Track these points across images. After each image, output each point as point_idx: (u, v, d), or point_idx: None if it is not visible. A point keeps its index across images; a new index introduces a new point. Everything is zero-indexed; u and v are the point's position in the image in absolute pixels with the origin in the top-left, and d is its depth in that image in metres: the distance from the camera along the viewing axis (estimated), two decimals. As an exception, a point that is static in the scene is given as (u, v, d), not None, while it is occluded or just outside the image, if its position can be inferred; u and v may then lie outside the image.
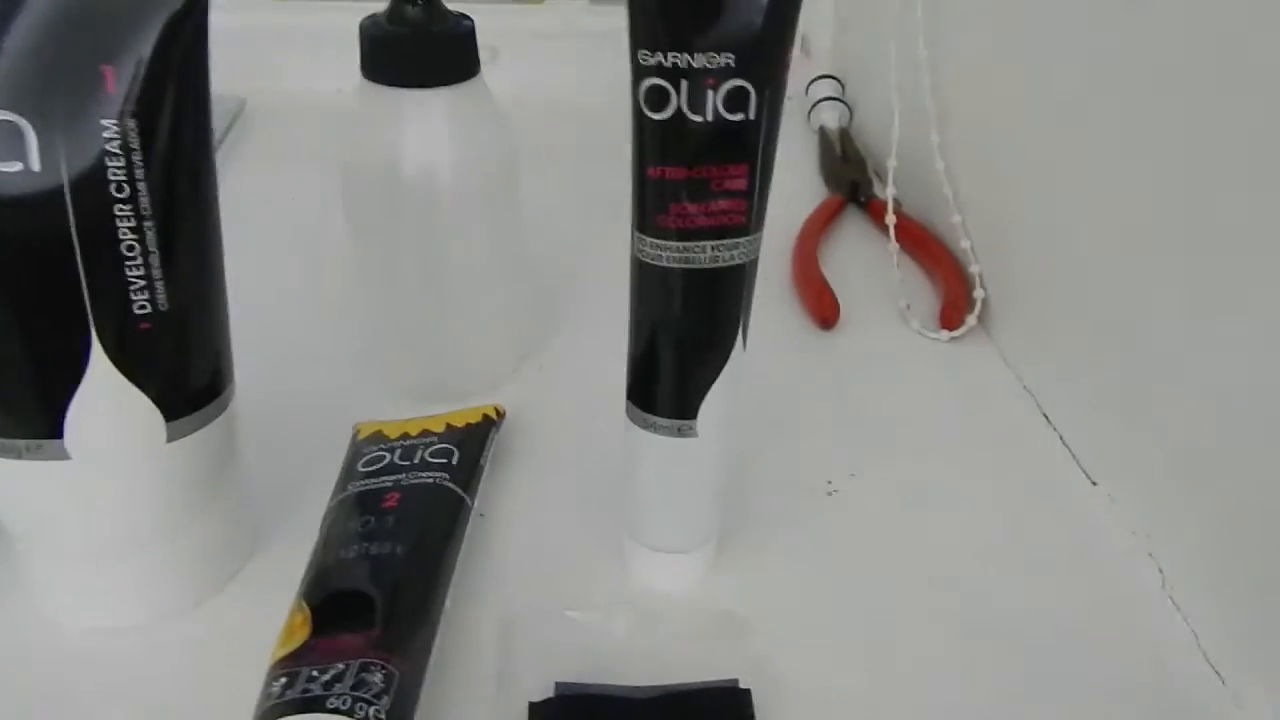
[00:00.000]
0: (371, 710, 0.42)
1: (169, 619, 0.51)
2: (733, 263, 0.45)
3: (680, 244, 0.44)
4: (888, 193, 0.85)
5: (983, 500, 0.62)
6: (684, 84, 0.41)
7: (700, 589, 0.55)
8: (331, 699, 0.42)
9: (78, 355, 0.43)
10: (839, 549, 0.58)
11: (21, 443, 0.44)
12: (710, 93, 0.41)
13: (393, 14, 0.56)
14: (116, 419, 0.45)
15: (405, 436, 0.58)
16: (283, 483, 0.59)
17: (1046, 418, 0.68)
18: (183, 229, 0.44)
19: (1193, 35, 0.54)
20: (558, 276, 0.80)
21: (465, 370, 0.68)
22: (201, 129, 0.44)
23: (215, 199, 0.46)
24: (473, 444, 0.59)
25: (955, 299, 0.78)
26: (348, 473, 0.56)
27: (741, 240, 0.44)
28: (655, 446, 0.49)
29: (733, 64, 0.41)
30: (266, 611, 0.48)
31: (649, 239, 0.44)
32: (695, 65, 0.40)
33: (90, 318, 0.42)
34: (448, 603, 0.50)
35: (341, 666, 0.43)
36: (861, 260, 0.87)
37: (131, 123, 0.41)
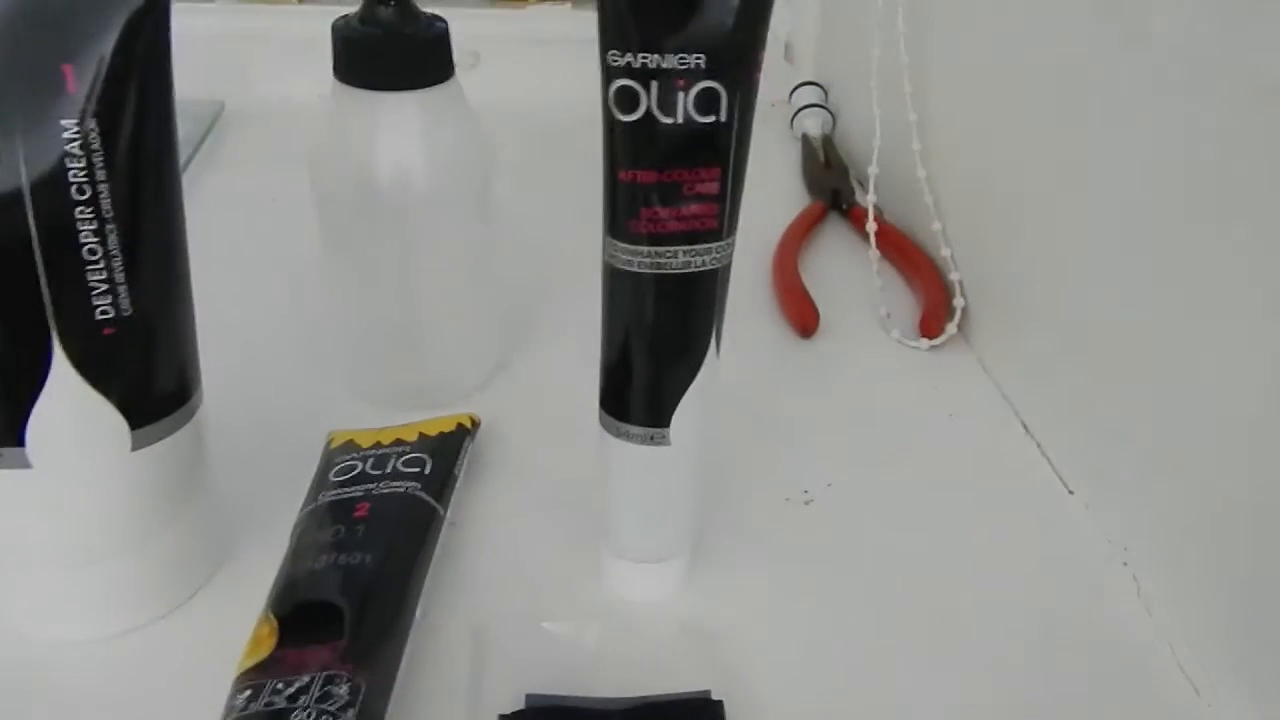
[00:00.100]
0: (336, 723, 0.41)
1: (135, 630, 0.50)
2: (705, 268, 0.44)
3: (652, 249, 0.43)
4: (868, 200, 0.85)
5: (959, 509, 0.61)
6: (654, 85, 0.40)
7: (674, 599, 0.54)
8: (296, 712, 0.42)
9: (39, 361, 0.42)
10: (814, 559, 0.57)
11: (-19, 450, 0.44)
12: (681, 94, 0.40)
13: (365, 15, 0.56)
14: (79, 426, 0.45)
15: (378, 445, 0.58)
16: (254, 492, 0.58)
17: (1025, 426, 0.68)
18: (146, 232, 0.43)
19: (1173, 44, 0.54)
20: (537, 283, 0.80)
21: (440, 378, 0.67)
22: (165, 129, 0.44)
23: (180, 201, 0.46)
24: (446, 453, 0.58)
25: (935, 307, 0.77)
26: (319, 482, 0.56)
27: (714, 245, 0.44)
28: (628, 455, 0.49)
29: (703, 65, 0.40)
30: (235, 623, 0.48)
31: (620, 244, 0.44)
32: (665, 66, 0.40)
33: (51, 323, 0.42)
34: (418, 613, 0.49)
35: (307, 679, 0.43)
36: (842, 268, 0.86)
37: (92, 123, 0.40)
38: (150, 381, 0.46)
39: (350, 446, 0.58)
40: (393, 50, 0.56)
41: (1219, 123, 0.50)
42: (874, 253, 0.83)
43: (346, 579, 0.48)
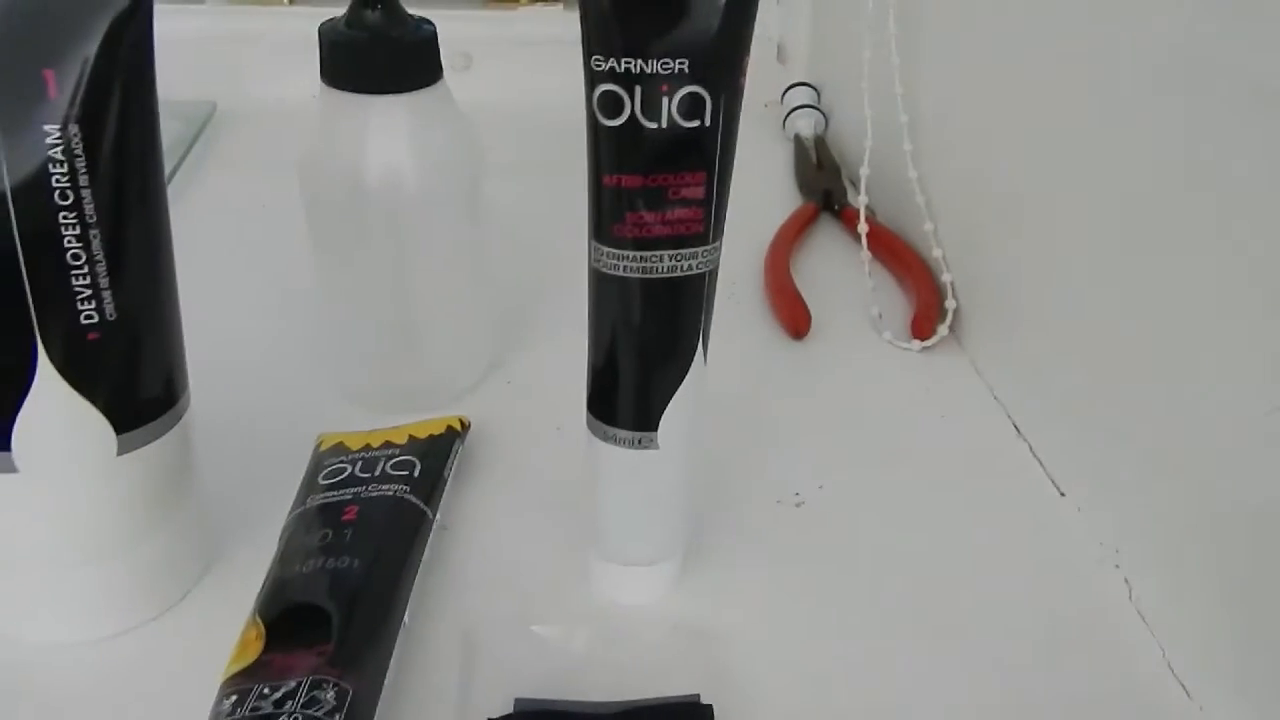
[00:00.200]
0: (321, 728, 0.41)
1: (122, 634, 0.50)
2: (691, 272, 0.44)
3: (638, 253, 0.43)
4: (860, 202, 0.85)
5: (951, 511, 0.61)
6: (638, 90, 0.40)
7: (664, 603, 0.54)
8: (282, 717, 0.41)
9: (23, 366, 0.42)
10: (805, 562, 0.57)
11: (-33, 455, 0.44)
12: (665, 99, 0.40)
13: (352, 19, 0.56)
14: (65, 431, 0.44)
15: (367, 448, 0.58)
16: (243, 494, 0.58)
17: (1016, 428, 0.68)
18: (130, 236, 0.43)
19: (1169, 45, 0.54)
20: (529, 284, 0.80)
21: (431, 380, 0.67)
22: (148, 133, 0.43)
23: (164, 205, 0.45)
24: (436, 456, 0.58)
25: (927, 309, 0.77)
26: (308, 485, 0.56)
27: (700, 249, 0.44)
28: (616, 459, 0.49)
29: (687, 69, 0.40)
30: (223, 625, 0.48)
31: (606, 248, 0.44)
32: (649, 71, 0.40)
33: (35, 328, 0.42)
34: (406, 617, 0.49)
35: (294, 683, 0.43)
36: (834, 269, 0.86)
37: (75, 128, 0.40)
38: (136, 386, 0.46)
39: (339, 449, 0.58)
40: (380, 53, 0.56)
41: (1215, 125, 0.50)
42: (865, 254, 0.83)
43: (334, 583, 0.48)
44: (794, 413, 0.69)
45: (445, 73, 0.59)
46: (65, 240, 0.41)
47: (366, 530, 0.51)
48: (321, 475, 0.56)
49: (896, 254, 0.85)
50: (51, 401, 0.43)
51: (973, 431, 0.68)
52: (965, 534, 0.59)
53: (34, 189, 0.40)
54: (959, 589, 0.56)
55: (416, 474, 0.56)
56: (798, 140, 1.09)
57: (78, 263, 0.42)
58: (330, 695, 0.42)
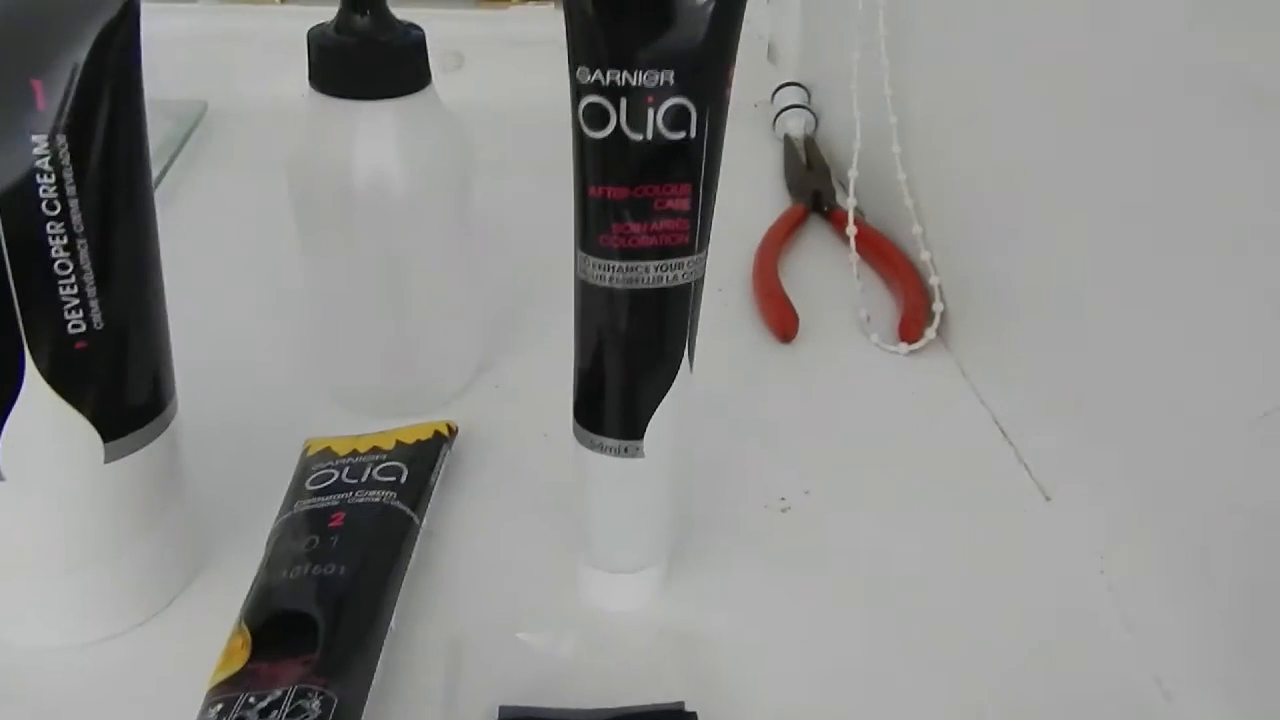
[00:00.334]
0: (307, 737, 0.41)
1: (108, 640, 0.50)
2: (677, 283, 0.44)
3: (624, 264, 0.43)
4: (849, 204, 0.85)
5: (936, 516, 0.61)
6: (623, 102, 0.40)
7: (651, 609, 0.54)
8: (268, 726, 0.42)
9: (11, 375, 0.42)
10: (792, 567, 0.57)
11: (-45, 463, 0.44)
12: (650, 111, 0.41)
13: (340, 24, 0.56)
14: (52, 440, 0.45)
15: (354, 454, 0.58)
16: (231, 499, 0.58)
17: (1003, 431, 0.68)
18: (118, 246, 0.43)
19: (1154, 49, 0.54)
20: (516, 288, 0.80)
21: (419, 384, 0.67)
22: (135, 143, 0.43)
23: (152, 213, 0.45)
24: (423, 461, 0.58)
25: (915, 311, 0.77)
26: (295, 490, 0.56)
27: (686, 260, 0.44)
28: (602, 467, 0.49)
29: (672, 81, 0.40)
30: (210, 631, 0.48)
31: (592, 259, 0.44)
32: (634, 83, 0.40)
33: (23, 337, 0.42)
34: (393, 624, 0.49)
35: (279, 692, 0.43)
36: (823, 271, 0.86)
37: (62, 139, 0.40)
38: (123, 394, 0.46)
39: (327, 454, 0.58)
40: (368, 59, 0.56)
41: (1207, 128, 0.50)
42: (854, 256, 0.83)
43: (321, 590, 0.48)
44: (781, 416, 0.69)
45: (435, 73, 0.59)
46: (53, 250, 0.41)
47: (353, 537, 0.51)
48: (309, 480, 0.56)
49: (885, 256, 0.85)
50: (39, 410, 0.43)
51: (959, 435, 0.69)
52: (951, 538, 0.60)
53: (21, 199, 0.40)
54: (945, 594, 0.56)
55: (403, 480, 0.56)
56: (787, 140, 1.09)
57: (65, 272, 0.42)
58: (316, 704, 0.42)
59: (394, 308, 0.63)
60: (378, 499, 0.54)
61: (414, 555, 0.53)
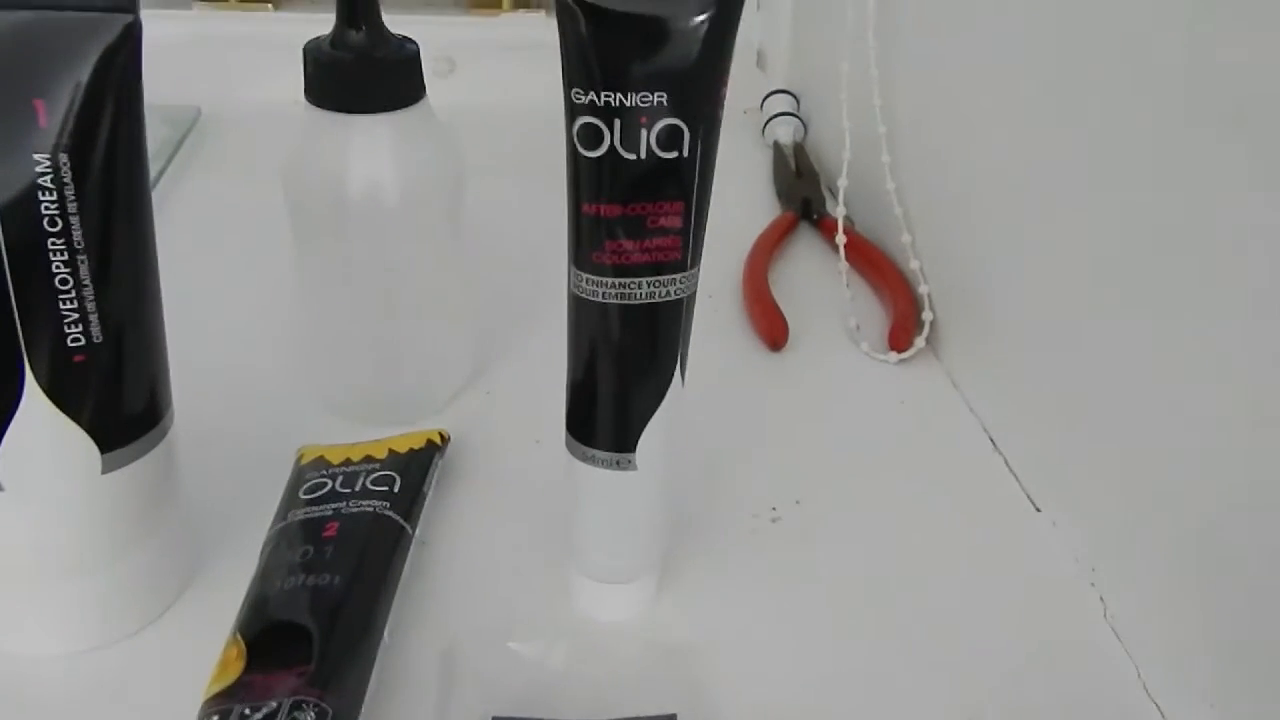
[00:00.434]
0: (302, 749, 0.42)
1: (102, 650, 0.51)
2: (669, 298, 0.45)
3: (616, 280, 0.44)
4: (838, 213, 0.85)
5: (926, 526, 0.62)
6: (617, 122, 0.41)
7: (642, 619, 0.55)
8: (263, 737, 0.42)
9: (11, 388, 0.43)
10: (782, 578, 0.58)
11: (-46, 474, 0.44)
12: (644, 131, 0.41)
13: (336, 38, 0.56)
14: (50, 451, 0.45)
15: (348, 462, 0.58)
16: (224, 508, 0.58)
17: (992, 441, 0.68)
18: (117, 260, 0.44)
19: (1143, 60, 0.54)
20: (508, 295, 0.80)
21: (412, 392, 0.67)
22: (135, 159, 0.44)
23: (151, 228, 0.46)
24: (415, 471, 0.58)
25: (904, 320, 0.78)
26: (289, 499, 0.56)
27: (678, 276, 0.44)
28: (594, 479, 0.49)
29: (666, 102, 0.41)
30: (204, 640, 0.48)
31: (585, 275, 0.44)
32: (628, 104, 0.41)
33: (23, 350, 0.42)
34: (386, 635, 0.50)
35: (274, 704, 0.43)
36: (812, 279, 0.87)
37: (64, 157, 0.40)
38: (121, 406, 0.47)
39: (320, 463, 0.58)
40: (364, 74, 0.57)
41: (1196, 139, 0.50)
42: (843, 264, 0.83)
43: (315, 600, 0.48)
44: (771, 425, 0.70)
45: (427, 79, 0.60)
46: (53, 265, 0.41)
47: (347, 547, 0.52)
48: (302, 490, 0.56)
49: (874, 265, 0.85)
50: (37, 421, 0.44)
51: (949, 445, 0.69)
52: (941, 549, 0.60)
53: (23, 215, 0.40)
54: (935, 604, 0.56)
55: (396, 489, 0.56)
56: (777, 147, 1.09)
57: (65, 287, 0.42)
58: (311, 716, 0.43)
59: (387, 317, 0.64)
60: (371, 509, 0.54)
61: (406, 565, 0.54)
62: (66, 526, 0.47)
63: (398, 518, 0.54)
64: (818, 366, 0.76)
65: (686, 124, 0.41)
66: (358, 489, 0.56)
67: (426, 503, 0.58)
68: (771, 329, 0.77)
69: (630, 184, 0.42)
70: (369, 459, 0.58)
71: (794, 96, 1.15)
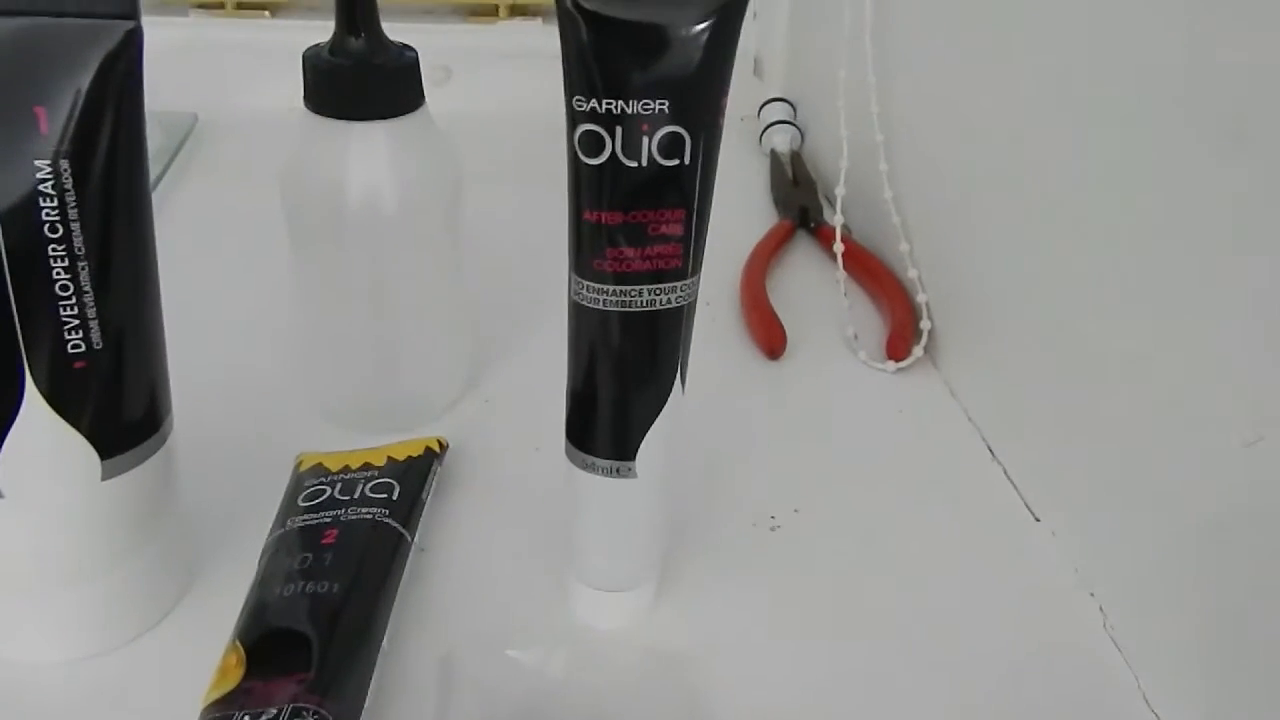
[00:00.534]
0: (302, 756, 0.42)
1: (101, 656, 0.51)
2: (670, 306, 0.45)
3: (617, 287, 0.44)
4: (836, 221, 0.85)
5: (925, 535, 0.62)
6: (618, 130, 0.41)
7: (641, 627, 0.54)
8: (262, 744, 0.42)
9: (11, 394, 0.43)
10: (781, 586, 0.58)
11: (-47, 481, 0.44)
12: (645, 138, 0.41)
13: (335, 46, 0.56)
14: (50, 458, 0.45)
15: (346, 469, 0.58)
16: (223, 514, 0.58)
17: (991, 451, 0.68)
18: (118, 267, 0.44)
19: (1141, 72, 0.54)
20: (505, 301, 0.80)
21: (410, 400, 0.67)
22: (136, 166, 0.44)
23: (151, 235, 0.46)
24: (414, 478, 0.58)
25: (902, 329, 0.78)
26: (288, 506, 0.56)
27: (679, 284, 0.44)
28: (594, 487, 0.49)
29: (667, 110, 0.41)
30: (203, 647, 0.48)
31: (586, 282, 0.44)
32: (630, 111, 0.41)
33: (24, 356, 0.42)
34: (386, 642, 0.50)
35: (274, 711, 0.43)
36: (810, 287, 0.87)
37: (65, 163, 0.40)
38: (120, 412, 0.47)
39: (319, 470, 0.58)
40: (363, 81, 0.57)
41: (1192, 152, 0.50)
42: (841, 273, 0.83)
43: (314, 608, 0.48)
44: (769, 433, 0.70)
45: (425, 87, 0.60)
46: (54, 271, 0.41)
47: (346, 554, 0.52)
48: (301, 497, 0.56)
49: (872, 273, 0.85)
50: (37, 428, 0.44)
51: (947, 454, 0.69)
52: (940, 558, 0.60)
53: (24, 221, 0.40)
54: (933, 614, 0.56)
55: (395, 497, 0.56)
56: (774, 156, 1.09)
57: (66, 293, 0.42)
58: (311, 722, 0.43)
59: (385, 324, 0.64)
60: (370, 516, 0.54)
61: (406, 572, 0.54)
62: (66, 533, 0.47)
63: (397, 525, 0.54)
64: (816, 375, 0.76)
65: (688, 131, 0.41)
66: (356, 496, 0.56)
67: (425, 510, 0.58)
68: (769, 337, 0.77)
69: (631, 191, 0.42)
70: (368, 466, 0.58)
71: (791, 104, 1.15)
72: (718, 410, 0.70)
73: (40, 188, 0.40)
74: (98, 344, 0.44)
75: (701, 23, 0.40)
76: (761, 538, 0.61)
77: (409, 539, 0.55)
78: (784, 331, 0.78)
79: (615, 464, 0.48)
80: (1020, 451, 0.67)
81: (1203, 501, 0.50)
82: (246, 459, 0.62)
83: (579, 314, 0.46)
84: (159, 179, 0.93)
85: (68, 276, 0.42)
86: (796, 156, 1.09)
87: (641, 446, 0.48)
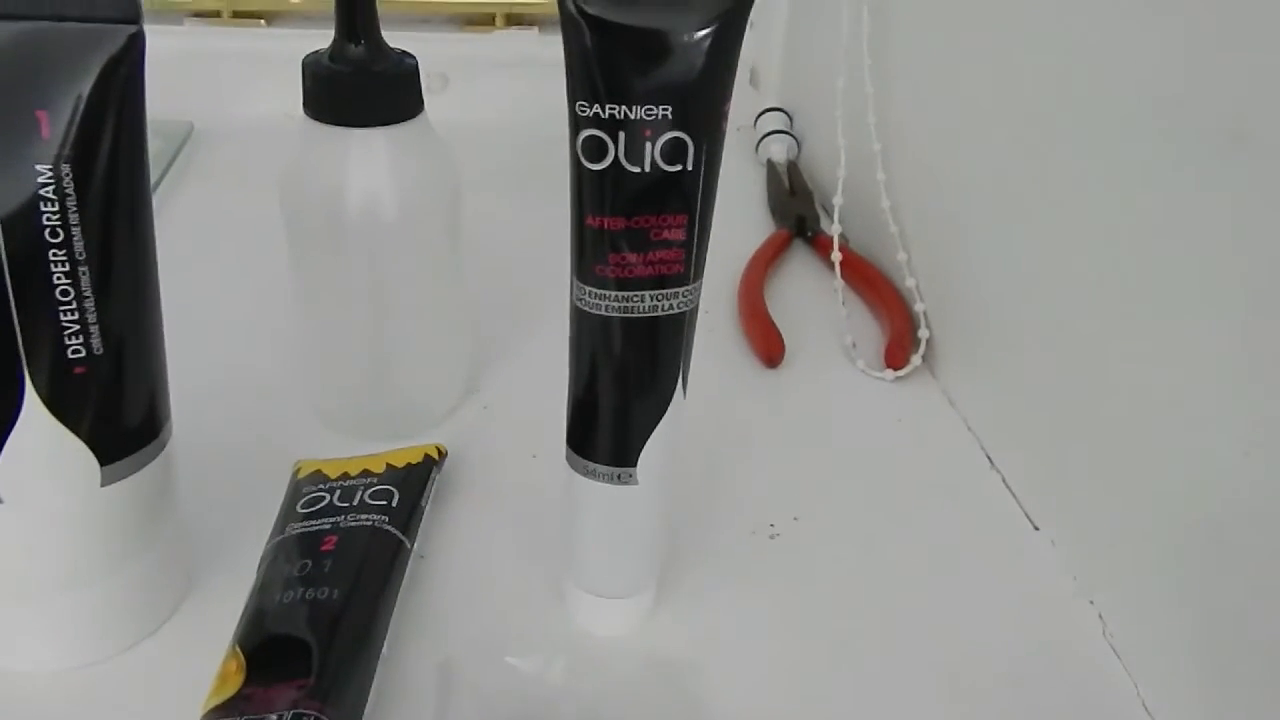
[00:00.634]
0: (303, 762, 0.42)
1: (99, 664, 0.50)
2: (672, 312, 0.45)
3: (619, 293, 0.44)
4: (834, 230, 0.85)
5: (924, 543, 0.61)
6: (622, 135, 0.41)
7: (640, 634, 0.54)
8: (263, 750, 0.42)
9: (11, 399, 0.43)
10: (781, 594, 0.58)
11: (-48, 486, 0.44)
12: (648, 144, 0.41)
13: (335, 52, 0.56)
14: (49, 463, 0.45)
15: (345, 476, 0.58)
16: (221, 521, 0.58)
17: (990, 459, 0.68)
18: (118, 272, 0.43)
19: (1137, 82, 0.54)
20: (505, 307, 0.80)
21: (408, 406, 0.67)
22: (137, 171, 0.44)
23: (152, 240, 0.46)
24: (413, 485, 0.58)
25: (900, 338, 0.78)
26: (286, 513, 0.56)
27: (681, 290, 0.44)
28: (594, 493, 0.49)
29: (670, 115, 0.41)
30: (201, 654, 0.48)
31: (588, 288, 0.44)
32: (633, 117, 0.41)
33: (24, 361, 0.42)
34: (385, 649, 0.50)
35: (274, 717, 0.43)
36: (808, 296, 0.87)
37: (66, 168, 0.40)
38: (120, 418, 0.46)
39: (318, 477, 0.58)
40: (363, 88, 0.57)
41: (1189, 163, 0.50)
42: (839, 282, 0.83)
43: (313, 614, 0.48)
44: (768, 442, 0.70)
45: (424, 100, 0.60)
46: (54, 276, 0.41)
47: (345, 561, 0.52)
48: (300, 504, 0.56)
49: (870, 282, 0.85)
50: (37, 433, 0.43)
51: (946, 463, 0.69)
52: (939, 566, 0.60)
53: (25, 226, 0.40)
54: (933, 622, 0.56)
55: (394, 503, 0.56)
56: (770, 166, 1.09)
57: (66, 298, 0.42)
58: (312, 728, 0.43)
59: (383, 330, 0.63)
60: (369, 522, 0.54)
61: (405, 578, 0.54)
62: (64, 539, 0.47)
63: (396, 531, 0.54)
64: (814, 384, 0.76)
65: (691, 137, 0.41)
66: (356, 503, 0.55)
67: (424, 517, 0.58)
68: (768, 346, 0.77)
69: (634, 197, 0.42)
70: (367, 473, 0.58)
71: (787, 114, 1.15)
72: (716, 418, 0.70)
73: (41, 192, 0.40)
74: (98, 349, 0.44)
75: (704, 29, 0.41)
76: (760, 545, 0.61)
77: (408, 545, 0.55)
78: (782, 340, 0.78)
79: (616, 470, 0.48)
80: (1019, 460, 0.67)
81: (1202, 509, 0.50)
82: (245, 465, 0.62)
83: (580, 319, 0.45)
84: (155, 187, 0.93)
85: (68, 281, 0.42)
86: (793, 166, 1.09)
87: (642, 453, 0.48)
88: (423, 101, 0.59)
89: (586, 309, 0.45)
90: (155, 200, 0.42)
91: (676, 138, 0.41)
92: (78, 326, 0.43)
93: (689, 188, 0.42)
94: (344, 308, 0.63)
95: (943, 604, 0.57)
